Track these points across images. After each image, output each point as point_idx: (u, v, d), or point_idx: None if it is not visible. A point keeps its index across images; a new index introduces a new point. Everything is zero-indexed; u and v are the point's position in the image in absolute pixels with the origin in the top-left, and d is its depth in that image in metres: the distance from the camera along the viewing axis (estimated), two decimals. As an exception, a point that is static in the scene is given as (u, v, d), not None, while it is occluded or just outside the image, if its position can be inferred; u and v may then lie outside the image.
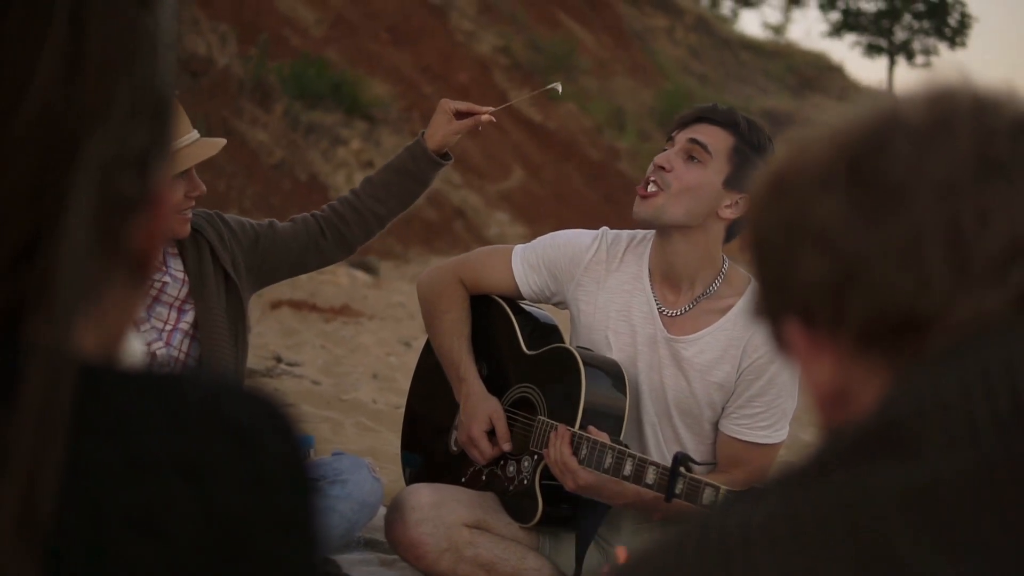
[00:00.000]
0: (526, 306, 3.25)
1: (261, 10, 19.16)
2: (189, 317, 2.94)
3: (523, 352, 3.13)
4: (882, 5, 36.75)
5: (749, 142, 2.90)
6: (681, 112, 3.01)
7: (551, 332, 3.18)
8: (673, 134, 2.95)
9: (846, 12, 37.20)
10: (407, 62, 21.57)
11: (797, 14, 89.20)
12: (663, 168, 2.89)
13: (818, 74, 35.92)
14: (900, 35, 36.54)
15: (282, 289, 10.13)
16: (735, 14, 43.12)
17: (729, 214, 2.90)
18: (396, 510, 3.04)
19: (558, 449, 2.82)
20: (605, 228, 3.13)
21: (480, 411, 3.08)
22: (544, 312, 3.28)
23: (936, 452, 0.74)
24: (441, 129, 3.12)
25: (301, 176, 16.60)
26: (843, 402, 0.84)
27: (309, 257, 3.15)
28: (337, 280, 11.49)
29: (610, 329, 3.01)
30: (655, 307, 2.98)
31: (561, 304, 3.14)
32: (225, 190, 13.92)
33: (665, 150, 2.95)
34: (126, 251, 0.75)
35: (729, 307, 2.94)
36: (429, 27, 22.91)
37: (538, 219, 18.32)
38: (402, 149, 3.20)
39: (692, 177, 2.88)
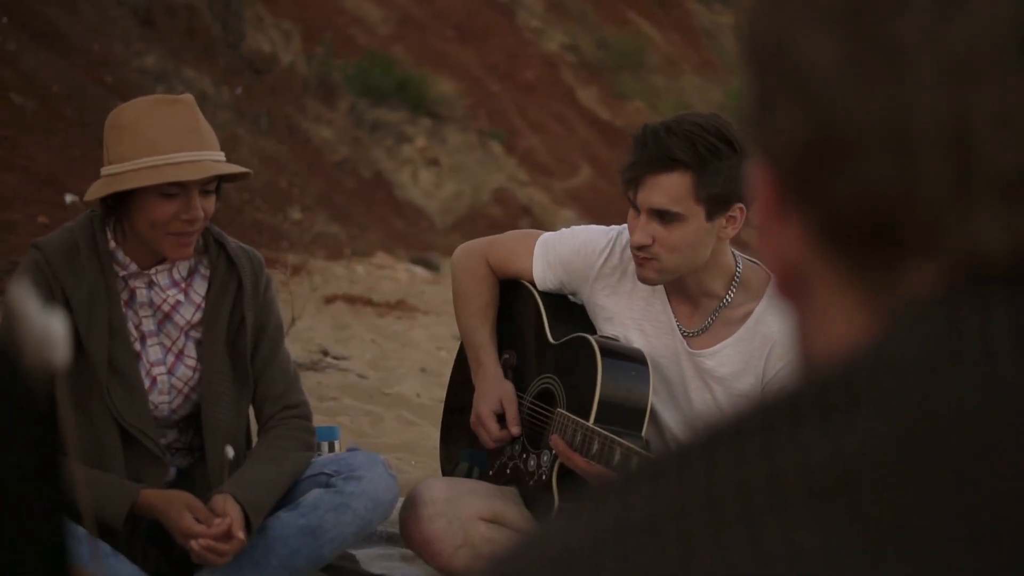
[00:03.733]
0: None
1: (327, 8, 19.22)
2: (192, 350, 2.86)
3: (548, 341, 3.04)
4: None
5: (706, 162, 2.65)
6: (625, 163, 2.74)
7: (578, 318, 3.06)
8: (629, 194, 2.73)
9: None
10: (473, 60, 21.53)
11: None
12: (645, 245, 2.71)
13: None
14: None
15: (339, 283, 10.07)
16: (808, 11, 42.73)
17: (732, 231, 2.74)
18: (410, 506, 2.96)
19: (564, 455, 2.78)
20: (623, 227, 2.95)
21: (492, 393, 3.01)
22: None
23: (868, 421, 0.59)
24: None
25: (365, 173, 16.58)
26: (802, 289, 0.67)
27: (246, 391, 2.92)
28: (396, 276, 11.44)
29: (629, 338, 2.91)
30: (673, 321, 2.87)
31: (580, 301, 3.04)
32: (287, 187, 13.92)
33: (632, 208, 2.74)
34: None
35: (748, 314, 2.81)
36: (496, 25, 22.86)
37: (605, 217, 18.16)
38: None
39: (676, 238, 2.70)
